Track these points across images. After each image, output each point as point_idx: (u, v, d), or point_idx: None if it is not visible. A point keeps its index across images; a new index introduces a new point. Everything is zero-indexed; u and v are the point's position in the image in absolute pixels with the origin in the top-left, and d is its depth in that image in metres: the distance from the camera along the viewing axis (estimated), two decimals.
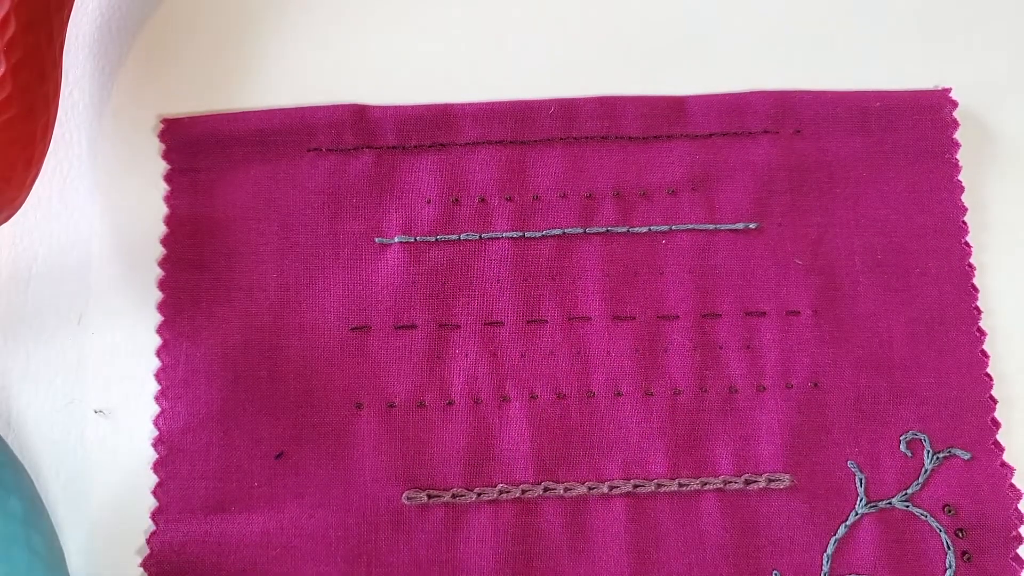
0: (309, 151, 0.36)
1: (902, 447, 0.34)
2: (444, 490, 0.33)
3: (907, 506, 0.33)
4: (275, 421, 0.34)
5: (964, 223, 0.36)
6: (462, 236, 0.35)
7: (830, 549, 0.33)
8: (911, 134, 0.36)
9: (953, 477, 0.34)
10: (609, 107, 0.36)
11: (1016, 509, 0.33)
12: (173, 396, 0.34)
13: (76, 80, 0.37)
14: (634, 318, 0.35)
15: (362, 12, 0.38)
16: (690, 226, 0.36)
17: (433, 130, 0.36)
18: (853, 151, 0.36)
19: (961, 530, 0.33)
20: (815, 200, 0.36)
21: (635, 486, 0.33)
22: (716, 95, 0.37)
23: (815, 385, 0.34)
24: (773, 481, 0.34)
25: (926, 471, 0.34)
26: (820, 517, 0.33)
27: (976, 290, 0.35)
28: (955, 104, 0.37)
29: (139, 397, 0.34)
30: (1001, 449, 0.34)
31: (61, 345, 0.35)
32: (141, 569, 0.33)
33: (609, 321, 0.35)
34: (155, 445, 0.34)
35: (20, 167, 0.31)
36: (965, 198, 0.36)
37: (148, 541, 0.33)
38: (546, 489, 0.33)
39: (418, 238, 0.35)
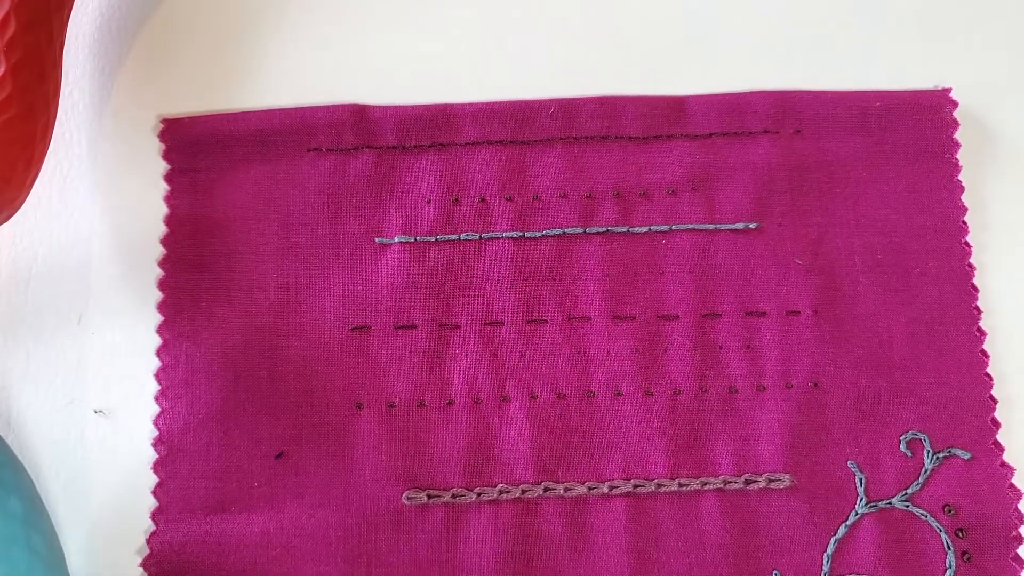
0: (309, 151, 0.36)
1: (902, 447, 0.34)
2: (444, 490, 0.33)
3: (907, 506, 0.33)
4: (275, 421, 0.34)
5: (964, 223, 0.36)
6: (462, 236, 0.35)
7: (830, 549, 0.33)
8: (911, 134, 0.36)
9: (953, 477, 0.34)
10: (609, 107, 0.36)
11: (1016, 509, 0.33)
12: (173, 396, 0.34)
13: (76, 80, 0.37)
14: (634, 318, 0.35)
15: (362, 12, 0.38)
16: (690, 226, 0.36)
17: (433, 130, 0.36)
18: (853, 151, 0.36)
19: (961, 530, 0.33)
20: (815, 200, 0.36)
21: (635, 486, 0.33)
22: (716, 95, 0.37)
23: (815, 385, 0.34)
24: (773, 481, 0.34)
25: (926, 471, 0.34)
26: (820, 517, 0.33)
27: (976, 290, 0.35)
28: (955, 104, 0.37)
29: (139, 397, 0.34)
30: (1001, 449, 0.34)
31: (61, 345, 0.35)
32: (141, 569, 0.33)
33: (609, 321, 0.35)
34: (155, 445, 0.34)
35: (20, 167, 0.31)
36: (965, 198, 0.36)
37: (148, 541, 0.33)
38: (546, 489, 0.33)
39: (418, 238, 0.35)
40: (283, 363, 0.34)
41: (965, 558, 0.33)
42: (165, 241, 0.35)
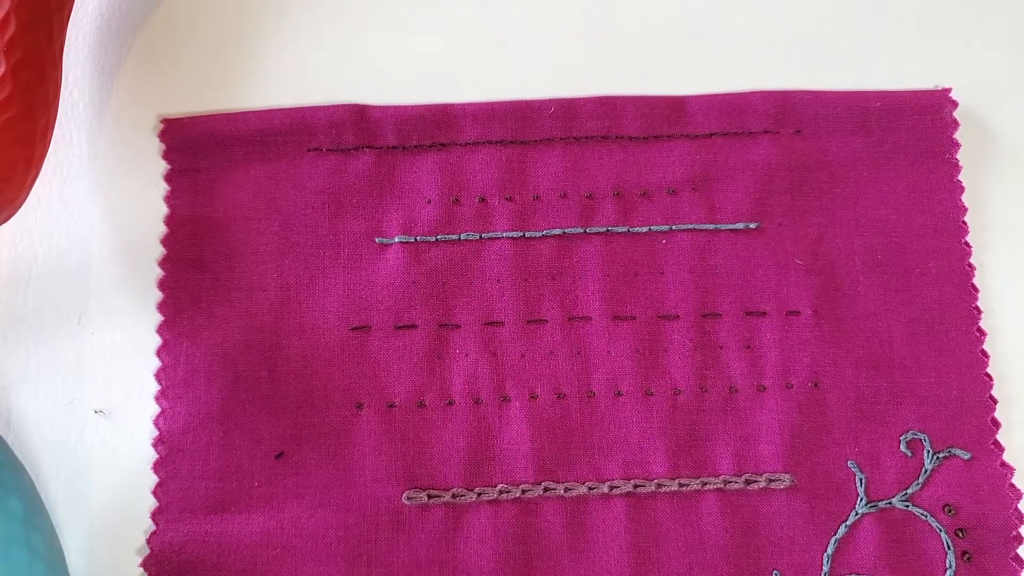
0: (309, 151, 0.36)
1: (902, 447, 0.34)
2: (444, 490, 0.33)
3: (907, 506, 0.33)
4: (275, 421, 0.34)
5: (964, 223, 0.36)
6: (462, 236, 0.35)
7: (830, 549, 0.33)
8: (911, 134, 0.36)
9: (953, 477, 0.34)
10: (609, 107, 0.36)
11: (1016, 509, 0.33)
12: (173, 396, 0.34)
13: (76, 80, 0.37)
14: (634, 318, 0.35)
15: (362, 12, 0.38)
16: (690, 226, 0.36)
17: (433, 130, 0.36)
18: (853, 151, 0.36)
19: (961, 530, 0.33)
20: (815, 200, 0.36)
21: (635, 486, 0.33)
22: (716, 95, 0.37)
23: (815, 385, 0.34)
24: (773, 481, 0.34)
25: (926, 471, 0.34)
26: (820, 517, 0.33)
27: (976, 290, 0.35)
28: (955, 104, 0.37)
29: (139, 397, 0.34)
30: (1001, 449, 0.34)
31: (61, 345, 0.35)
32: (141, 569, 0.33)
33: (609, 321, 0.35)
34: (155, 445, 0.34)
35: (20, 167, 0.31)
36: (965, 198, 0.36)
37: (148, 541, 0.33)
38: (546, 489, 0.33)
39: (418, 238, 0.35)
40: (283, 363, 0.34)
41: (965, 558, 0.33)
42: (165, 241, 0.35)
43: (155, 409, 0.34)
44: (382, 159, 0.36)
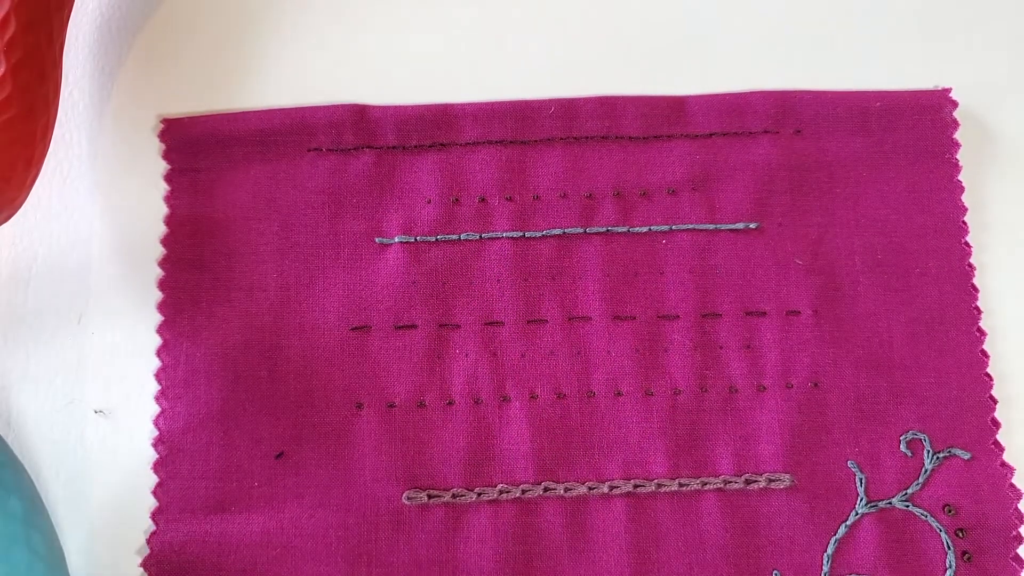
0: (309, 151, 0.36)
1: (902, 447, 0.34)
2: (444, 490, 0.33)
3: (907, 506, 0.33)
4: (275, 421, 0.34)
5: (964, 223, 0.36)
6: (462, 236, 0.35)
7: (830, 549, 0.33)
8: (911, 134, 0.36)
9: (953, 477, 0.34)
10: (609, 107, 0.36)
11: (1016, 509, 0.33)
12: (173, 396, 0.34)
13: (76, 80, 0.37)
14: (634, 318, 0.35)
15: (362, 12, 0.38)
16: (690, 226, 0.36)
17: (433, 130, 0.36)
18: (853, 151, 0.36)
19: (961, 530, 0.33)
20: (815, 200, 0.36)
21: (635, 486, 0.33)
22: (716, 95, 0.37)
23: (815, 385, 0.34)
24: (773, 481, 0.34)
25: (926, 471, 0.34)
26: (820, 517, 0.33)
27: (976, 290, 0.35)
28: (955, 104, 0.37)
29: (139, 397, 0.34)
30: (1001, 449, 0.34)
31: (61, 345, 0.35)
32: (141, 569, 0.33)
33: (609, 321, 0.35)
34: (155, 445, 0.34)
35: (20, 167, 0.31)
36: (965, 198, 0.36)
37: (148, 541, 0.33)
38: (546, 489, 0.33)
39: (418, 238, 0.35)
40: (283, 363, 0.34)
41: (965, 558, 0.33)
42: (165, 241, 0.35)
43: (155, 409, 0.34)
44: (382, 159, 0.36)
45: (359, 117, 0.36)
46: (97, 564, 0.33)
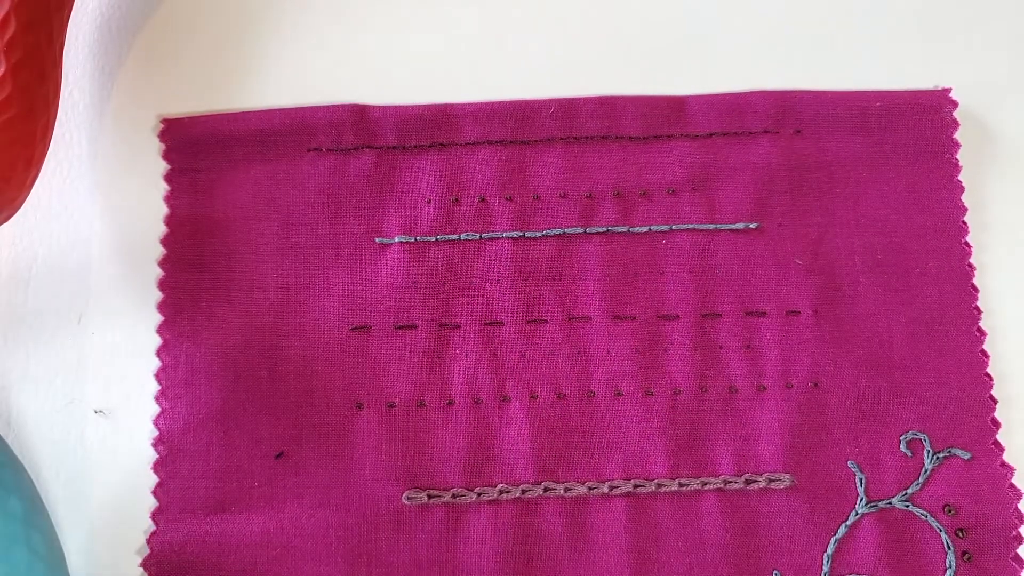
0: (309, 151, 0.36)
1: (902, 447, 0.34)
2: (444, 490, 0.33)
3: (907, 506, 0.33)
4: (275, 421, 0.34)
5: (964, 223, 0.36)
6: (462, 236, 0.35)
7: (830, 549, 0.33)
8: (911, 134, 0.36)
9: (953, 477, 0.34)
10: (609, 107, 0.36)
11: (1016, 509, 0.33)
12: (173, 396, 0.34)
13: (76, 80, 0.37)
14: (634, 318, 0.35)
15: (362, 12, 0.38)
16: (690, 226, 0.36)
17: (433, 130, 0.36)
18: (853, 151, 0.36)
19: (961, 530, 0.33)
20: (815, 200, 0.36)
21: (635, 486, 0.33)
22: (716, 95, 0.37)
23: (815, 385, 0.34)
24: (773, 481, 0.34)
25: (926, 471, 0.34)
26: (820, 517, 0.33)
27: (976, 290, 0.35)
28: (955, 104, 0.37)
29: (139, 397, 0.34)
30: (1001, 449, 0.34)
31: (61, 345, 0.35)
32: (141, 569, 0.33)
33: (609, 321, 0.35)
34: (155, 445, 0.34)
35: (20, 167, 0.31)
36: (965, 198, 0.36)
37: (148, 541, 0.33)
38: (546, 489, 0.33)
39: (418, 238, 0.35)
40: (283, 363, 0.34)
41: (965, 558, 0.33)
42: (165, 241, 0.35)
43: (155, 409, 0.34)
44: (382, 159, 0.36)
45: (359, 117, 0.36)
46: (97, 564, 0.33)
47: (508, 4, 0.38)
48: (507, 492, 0.33)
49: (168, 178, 0.36)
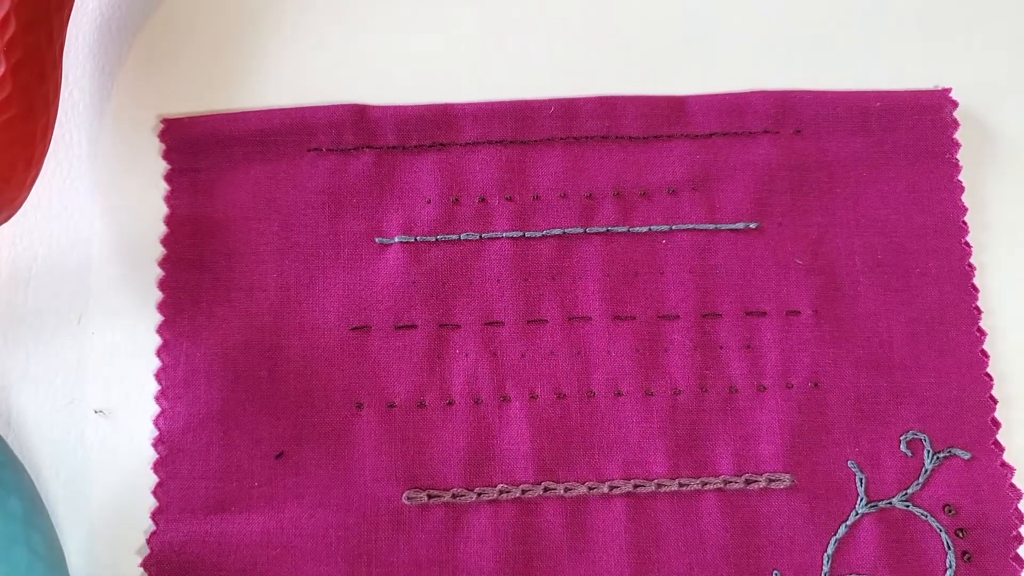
0: (309, 151, 0.36)
1: (902, 447, 0.34)
2: (444, 490, 0.33)
3: (907, 506, 0.33)
4: (275, 421, 0.34)
5: (964, 223, 0.36)
6: (462, 236, 0.35)
7: (830, 549, 0.33)
8: (911, 134, 0.36)
9: (953, 477, 0.34)
10: (609, 107, 0.36)
11: (1016, 509, 0.33)
12: (173, 396, 0.34)
13: (76, 80, 0.37)
14: (634, 318, 0.35)
15: (362, 12, 0.38)
16: (690, 226, 0.36)
17: (433, 130, 0.36)
18: (853, 151, 0.36)
19: (961, 530, 0.33)
20: (815, 200, 0.36)
21: (635, 486, 0.33)
22: (716, 95, 0.37)
23: (815, 385, 0.34)
24: (773, 481, 0.34)
25: (926, 471, 0.34)
26: (820, 517, 0.33)
27: (976, 290, 0.35)
28: (955, 104, 0.37)
29: (139, 397, 0.34)
30: (1001, 449, 0.34)
31: (61, 345, 0.35)
32: (141, 569, 0.33)
33: (609, 321, 0.35)
34: (155, 445, 0.34)
35: (20, 167, 0.31)
36: (965, 198, 0.36)
37: (148, 541, 0.33)
38: (546, 489, 0.33)
39: (418, 238, 0.35)
40: (283, 363, 0.34)
41: (965, 558, 0.33)
42: (165, 241, 0.35)
43: (155, 409, 0.34)
44: (382, 159, 0.36)
45: (359, 117, 0.36)
46: (97, 564, 0.33)
47: (508, 4, 0.38)
48: (507, 492, 0.33)
49: (168, 178, 0.36)
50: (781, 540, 0.33)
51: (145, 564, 0.33)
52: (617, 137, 0.36)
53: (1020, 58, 0.38)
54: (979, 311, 0.35)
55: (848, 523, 0.33)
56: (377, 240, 0.35)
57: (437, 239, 0.35)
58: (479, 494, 0.33)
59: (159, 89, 0.37)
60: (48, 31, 0.31)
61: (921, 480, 0.34)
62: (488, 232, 0.35)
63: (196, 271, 0.35)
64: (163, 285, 0.35)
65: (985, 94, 0.37)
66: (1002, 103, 0.37)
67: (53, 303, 0.35)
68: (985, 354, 0.35)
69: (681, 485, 0.34)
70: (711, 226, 0.36)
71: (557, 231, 0.35)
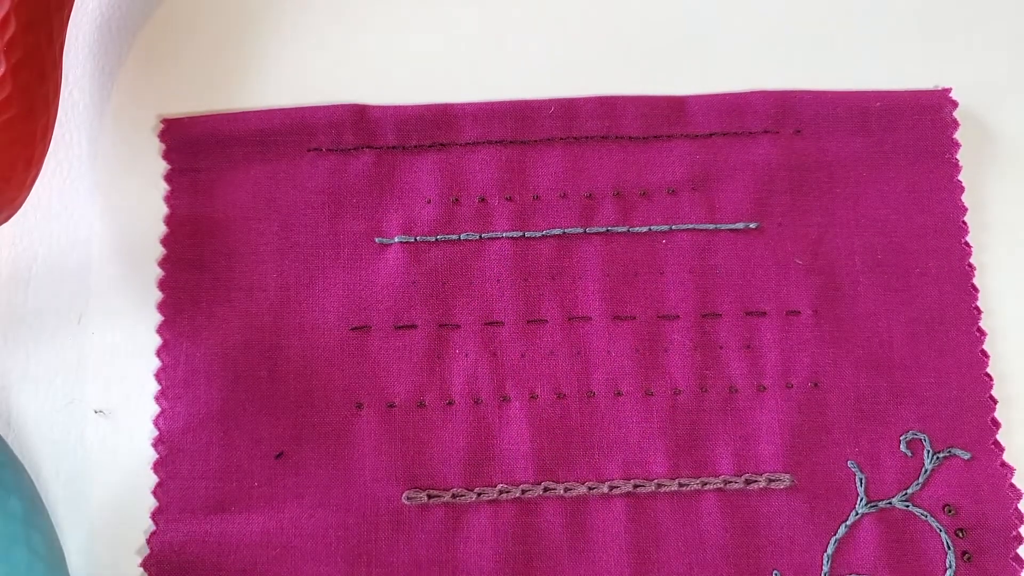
0: (309, 151, 0.36)
1: (902, 447, 0.34)
2: (444, 490, 0.33)
3: (907, 506, 0.33)
4: (275, 421, 0.34)
5: (964, 223, 0.36)
6: (462, 236, 0.35)
7: (830, 549, 0.33)
8: (911, 134, 0.36)
9: (953, 477, 0.34)
10: (609, 107, 0.36)
11: (1016, 509, 0.33)
12: (173, 396, 0.34)
13: (76, 80, 0.37)
14: (634, 318, 0.35)
15: (362, 12, 0.38)
16: (690, 226, 0.36)
17: (433, 130, 0.36)
18: (853, 151, 0.36)
19: (961, 530, 0.33)
20: (815, 200, 0.36)
21: (635, 486, 0.33)
22: (716, 95, 0.37)
23: (815, 385, 0.34)
24: (773, 481, 0.34)
25: (926, 471, 0.34)
26: (820, 517, 0.33)
27: (976, 290, 0.35)
28: (955, 104, 0.37)
29: (139, 397, 0.34)
30: (1001, 449, 0.34)
31: (61, 345, 0.35)
32: (141, 569, 0.33)
33: (609, 321, 0.35)
34: (155, 445, 0.34)
35: (20, 167, 0.31)
36: (965, 198, 0.36)
37: (148, 541, 0.33)
38: (546, 489, 0.33)
39: (418, 238, 0.35)
40: (283, 363, 0.34)
41: (965, 558, 0.33)
42: (165, 241, 0.35)
43: (155, 409, 0.34)
44: (382, 159, 0.36)
45: (359, 117, 0.36)
46: (97, 564, 0.33)
47: (508, 4, 0.38)
48: (507, 492, 0.33)
49: (168, 178, 0.36)
50: (781, 540, 0.33)
51: (145, 564, 0.33)
52: (617, 137, 0.36)
53: (1020, 58, 0.38)
54: (979, 311, 0.35)
55: (848, 523, 0.33)
56: (377, 240, 0.35)
57: (437, 239, 0.35)
58: (479, 494, 0.33)
59: (159, 89, 0.37)
60: (48, 31, 0.31)
61: (921, 480, 0.34)
62: (488, 232, 0.35)
63: (196, 271, 0.35)
64: (163, 285, 0.35)
65: (985, 94, 0.37)
66: (1002, 103, 0.37)
67: (53, 303, 0.35)
68: (985, 354, 0.35)
69: (681, 485, 0.34)
70: (711, 226, 0.36)
71: (557, 231, 0.35)
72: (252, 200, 0.36)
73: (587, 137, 0.36)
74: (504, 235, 0.35)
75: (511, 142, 0.36)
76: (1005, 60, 0.38)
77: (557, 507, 0.33)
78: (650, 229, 0.36)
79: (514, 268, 0.35)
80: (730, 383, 0.34)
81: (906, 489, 0.34)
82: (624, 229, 0.35)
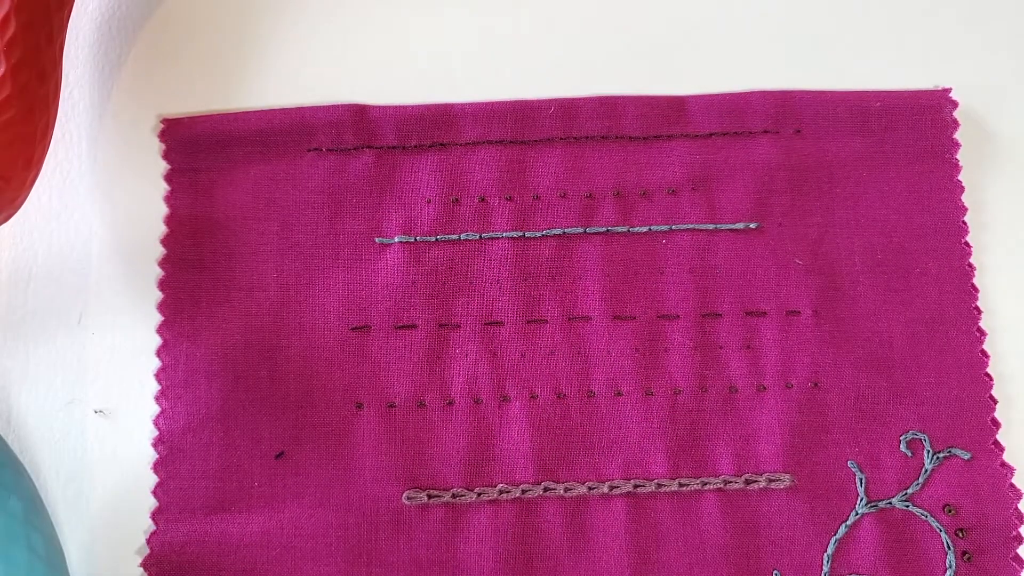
0: (309, 151, 0.36)
1: (902, 447, 0.34)
2: (444, 490, 0.33)
3: (907, 506, 0.33)
4: (275, 421, 0.34)
5: (964, 223, 0.36)
6: (462, 236, 0.35)
7: (830, 549, 0.33)
8: (911, 134, 0.36)
9: (953, 477, 0.34)
10: (609, 107, 0.36)
11: (1016, 509, 0.33)
12: (173, 396, 0.34)
13: (76, 80, 0.37)
14: (634, 318, 0.35)
15: (362, 12, 0.38)
16: (690, 226, 0.36)
17: (433, 130, 0.36)
18: (853, 151, 0.36)
19: (961, 530, 0.33)
20: (815, 200, 0.36)
21: (635, 486, 0.33)
22: (716, 95, 0.37)
23: (815, 385, 0.34)
24: (773, 481, 0.34)
25: (926, 471, 0.34)
26: (820, 517, 0.33)
27: (976, 290, 0.35)
28: (955, 104, 0.37)
29: (139, 397, 0.34)
30: (1001, 449, 0.34)
31: (61, 345, 0.35)
32: (141, 569, 0.33)
33: (609, 321, 0.35)
34: (155, 445, 0.34)
35: (20, 167, 0.31)
36: (965, 198, 0.36)
37: (148, 541, 0.33)
38: (546, 489, 0.33)
39: (418, 238, 0.35)
40: (283, 363, 0.34)
41: (965, 558, 0.33)
42: (165, 241, 0.35)
43: (155, 409, 0.34)
44: (382, 159, 0.36)
45: (359, 117, 0.36)
46: (97, 564, 0.33)
47: (508, 4, 0.38)
48: (507, 492, 0.33)
49: (168, 178, 0.36)
50: (781, 540, 0.33)
51: (145, 564, 0.33)
52: (617, 137, 0.36)
53: (1020, 58, 0.38)
54: (979, 311, 0.35)
55: (848, 523, 0.33)
56: (377, 240, 0.35)
57: (437, 239, 0.35)
58: (479, 494, 0.33)
59: (159, 89, 0.37)
60: (48, 31, 0.31)
61: (921, 480, 0.34)
62: (488, 232, 0.35)
63: (196, 271, 0.35)
64: (163, 285, 0.35)
65: (985, 94, 0.37)
66: (1002, 103, 0.37)
67: (53, 303, 0.35)
68: (985, 354, 0.35)
69: (681, 485, 0.34)
70: (711, 226, 0.36)
71: (557, 231, 0.35)
72: (252, 200, 0.36)
73: (587, 137, 0.36)
74: (504, 235, 0.35)
75: (511, 142, 0.36)
76: (1005, 60, 0.38)
77: (557, 507, 0.33)
78: (650, 229, 0.36)
79: (514, 268, 0.35)
80: (730, 383, 0.34)
81: (906, 489, 0.34)
82: (624, 229, 0.35)
